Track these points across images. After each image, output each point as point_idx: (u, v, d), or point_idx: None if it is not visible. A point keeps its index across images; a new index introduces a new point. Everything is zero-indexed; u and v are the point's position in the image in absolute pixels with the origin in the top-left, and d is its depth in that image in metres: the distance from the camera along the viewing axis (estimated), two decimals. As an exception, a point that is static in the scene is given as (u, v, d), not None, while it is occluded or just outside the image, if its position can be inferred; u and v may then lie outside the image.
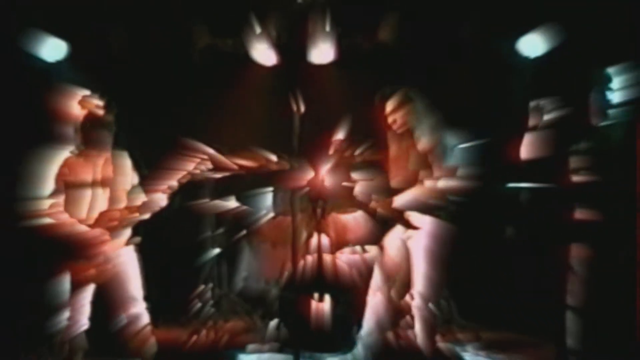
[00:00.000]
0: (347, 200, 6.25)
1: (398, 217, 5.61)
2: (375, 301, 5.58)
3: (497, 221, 6.02)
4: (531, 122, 5.28)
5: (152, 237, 5.32)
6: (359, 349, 5.50)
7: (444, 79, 6.81)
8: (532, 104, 5.46)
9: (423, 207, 5.41)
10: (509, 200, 5.49)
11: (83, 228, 4.88)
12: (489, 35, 6.74)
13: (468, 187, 5.82)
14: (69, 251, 4.86)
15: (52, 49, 6.58)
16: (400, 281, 5.58)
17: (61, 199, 4.88)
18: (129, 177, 5.21)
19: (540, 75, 6.61)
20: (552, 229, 5.19)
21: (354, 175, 6.15)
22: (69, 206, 4.90)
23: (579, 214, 5.01)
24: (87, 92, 5.10)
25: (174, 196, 5.37)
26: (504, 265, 6.43)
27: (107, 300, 5.05)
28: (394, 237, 5.52)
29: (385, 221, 5.91)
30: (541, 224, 5.28)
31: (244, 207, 6.54)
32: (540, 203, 5.22)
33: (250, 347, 5.87)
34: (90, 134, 5.01)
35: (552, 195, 5.13)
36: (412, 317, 5.36)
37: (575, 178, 4.99)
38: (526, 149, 5.19)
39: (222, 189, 6.42)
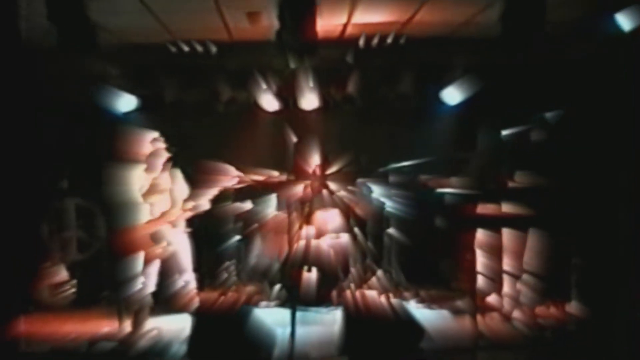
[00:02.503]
0: (326, 203, 6.50)
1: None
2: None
3: (432, 216, 6.04)
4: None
5: (197, 228, 5.47)
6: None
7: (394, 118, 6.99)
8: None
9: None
10: (439, 201, 5.66)
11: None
12: (422, 88, 6.83)
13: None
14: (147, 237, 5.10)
15: (125, 103, 6.63)
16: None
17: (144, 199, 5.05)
18: (183, 187, 5.31)
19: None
20: (466, 221, 5.42)
21: (331, 185, 6.51)
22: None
23: (483, 209, 5.33)
24: (154, 134, 5.23)
25: (211, 200, 5.51)
26: (436, 246, 6.50)
27: (168, 271, 5.21)
28: None
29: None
30: (458, 218, 5.49)
31: (256, 208, 6.52)
32: (459, 203, 5.44)
33: (262, 304, 5.96)
34: (154, 161, 5.19)
35: (466, 197, 5.37)
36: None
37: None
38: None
39: (240, 195, 6.46)
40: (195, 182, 5.43)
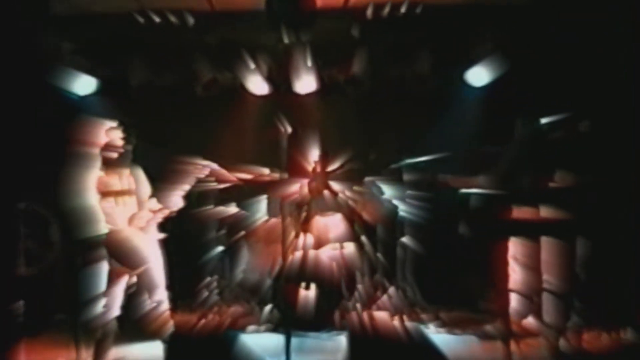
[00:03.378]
0: (327, 206, 6.48)
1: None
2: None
3: (453, 221, 5.90)
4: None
5: (172, 236, 5.43)
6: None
7: (409, 104, 7.02)
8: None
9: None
10: (462, 203, 5.52)
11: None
12: (442, 68, 6.84)
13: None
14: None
15: (83, 84, 6.70)
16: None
17: (101, 204, 4.98)
18: (147, 186, 5.28)
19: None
20: (496, 228, 5.35)
21: (333, 185, 6.50)
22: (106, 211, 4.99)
23: (517, 214, 5.23)
24: (111, 123, 5.17)
25: (186, 202, 5.42)
26: (459, 258, 6.50)
27: (137, 289, 5.13)
28: None
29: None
30: (487, 224, 5.40)
31: (242, 213, 6.55)
32: (487, 206, 5.36)
33: (249, 328, 5.91)
34: (111, 155, 5.13)
35: (496, 199, 5.29)
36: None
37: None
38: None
39: (224, 197, 6.45)
40: (167, 181, 5.36)
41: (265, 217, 6.59)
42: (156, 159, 5.52)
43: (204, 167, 5.47)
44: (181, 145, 6.23)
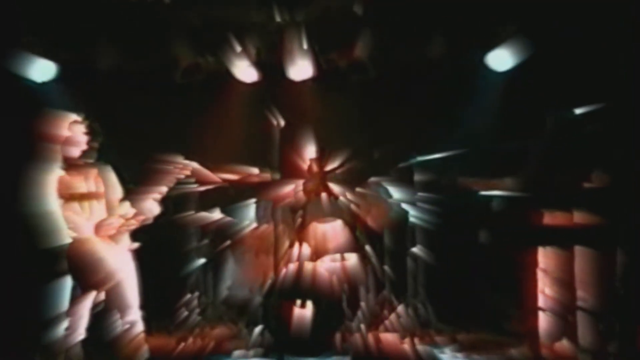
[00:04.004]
0: (326, 211, 6.44)
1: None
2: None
3: (471, 229, 5.84)
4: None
5: (145, 245, 5.33)
6: None
7: (420, 93, 7.00)
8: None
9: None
10: (483, 208, 5.47)
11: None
12: (459, 51, 6.83)
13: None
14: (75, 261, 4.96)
15: (41, 70, 6.67)
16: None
17: (64, 209, 4.90)
18: (117, 188, 5.19)
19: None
20: (523, 236, 5.33)
21: (333, 187, 6.45)
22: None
23: (548, 220, 5.21)
24: (74, 116, 5.11)
25: (162, 206, 5.32)
26: (479, 272, 6.55)
27: (106, 308, 5.06)
28: None
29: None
30: (512, 232, 5.35)
31: (228, 219, 6.51)
32: (512, 211, 5.32)
33: (236, 353, 5.84)
34: (74, 153, 5.07)
35: (523, 202, 5.25)
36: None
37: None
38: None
39: (206, 201, 6.41)
40: (141, 182, 5.25)
41: (255, 224, 6.54)
42: (128, 157, 5.51)
43: (184, 167, 5.32)
44: (157, 141, 6.20)
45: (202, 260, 6.52)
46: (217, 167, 6.12)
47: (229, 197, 6.48)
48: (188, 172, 5.45)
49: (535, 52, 6.34)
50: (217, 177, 6.16)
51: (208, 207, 6.46)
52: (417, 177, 6.35)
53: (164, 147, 5.57)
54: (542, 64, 6.35)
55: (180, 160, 5.42)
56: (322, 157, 6.60)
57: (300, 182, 6.49)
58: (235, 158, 6.44)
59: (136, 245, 5.27)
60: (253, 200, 6.53)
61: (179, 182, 5.45)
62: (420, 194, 6.34)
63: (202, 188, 6.16)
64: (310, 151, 6.59)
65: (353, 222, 6.45)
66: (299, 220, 6.23)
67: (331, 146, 6.63)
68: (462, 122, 6.68)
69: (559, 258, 5.38)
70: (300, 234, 6.23)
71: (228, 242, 6.52)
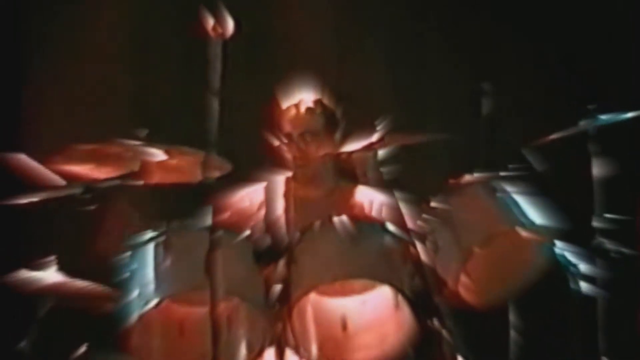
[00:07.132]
0: (352, 259, 3.50)
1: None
2: None
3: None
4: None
5: None
6: None
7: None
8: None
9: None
10: None
11: None
12: None
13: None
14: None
15: None
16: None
17: None
18: None
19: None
20: None
21: (366, 196, 3.84)
22: None
23: None
24: None
25: None
26: None
27: None
28: None
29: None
30: None
31: (98, 286, 3.45)
32: None
33: None
34: None
35: None
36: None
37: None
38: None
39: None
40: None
41: (157, 298, 3.38)
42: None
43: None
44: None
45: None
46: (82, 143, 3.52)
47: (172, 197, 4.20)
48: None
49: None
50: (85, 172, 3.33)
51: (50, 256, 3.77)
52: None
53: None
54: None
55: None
56: (332, 122, 3.71)
57: (282, 176, 3.79)
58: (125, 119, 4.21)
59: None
60: (160, 229, 3.20)
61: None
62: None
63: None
64: (300, 102, 3.72)
65: (427, 290, 3.25)
66: (277, 288, 3.10)
67: (345, 89, 4.21)
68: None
69: None
70: (281, 328, 3.05)
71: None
